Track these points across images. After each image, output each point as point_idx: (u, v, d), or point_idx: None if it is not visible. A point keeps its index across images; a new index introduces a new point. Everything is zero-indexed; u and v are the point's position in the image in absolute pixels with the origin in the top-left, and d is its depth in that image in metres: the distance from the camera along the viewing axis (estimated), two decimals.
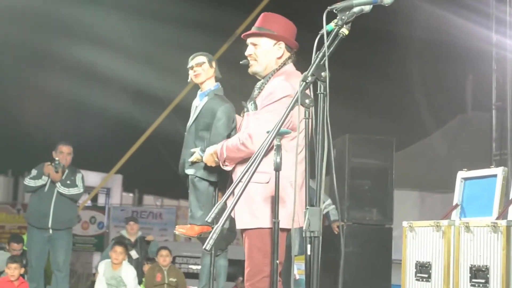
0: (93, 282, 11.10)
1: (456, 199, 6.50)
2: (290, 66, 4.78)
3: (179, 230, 5.58)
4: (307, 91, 3.65)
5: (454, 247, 5.80)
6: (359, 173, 10.56)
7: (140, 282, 10.64)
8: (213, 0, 17.12)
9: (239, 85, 4.93)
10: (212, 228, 3.48)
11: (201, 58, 5.93)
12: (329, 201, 10.08)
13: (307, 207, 3.58)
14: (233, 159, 4.65)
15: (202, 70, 5.88)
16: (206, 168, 5.54)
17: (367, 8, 3.67)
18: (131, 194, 27.00)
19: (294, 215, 3.84)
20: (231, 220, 4.64)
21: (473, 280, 5.56)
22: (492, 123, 12.35)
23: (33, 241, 9.49)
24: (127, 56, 18.78)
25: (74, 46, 18.16)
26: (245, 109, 4.78)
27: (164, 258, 10.84)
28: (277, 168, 4.09)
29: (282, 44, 4.76)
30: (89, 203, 21.56)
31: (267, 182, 4.46)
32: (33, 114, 19.81)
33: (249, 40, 4.85)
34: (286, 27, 4.79)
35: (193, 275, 15.26)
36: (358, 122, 17.25)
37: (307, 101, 3.66)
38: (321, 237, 3.57)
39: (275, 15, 4.88)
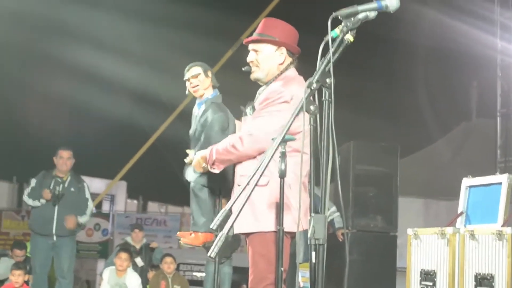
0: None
1: (461, 206, 6.48)
2: (292, 71, 4.76)
3: (184, 241, 5.58)
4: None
5: (459, 255, 5.78)
6: (363, 180, 10.54)
7: None
8: (219, 5, 17.11)
9: (244, 91, 4.91)
10: (216, 235, 3.47)
11: (196, 70, 5.95)
12: (333, 208, 10.06)
13: (312, 214, 3.57)
14: (222, 161, 4.62)
15: (199, 82, 5.91)
16: (206, 175, 5.55)
17: (372, 14, 3.67)
18: (135, 201, 26.99)
19: (299, 219, 3.83)
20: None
21: None
22: (497, 130, 12.33)
23: (37, 248, 9.47)
24: (131, 61, 18.79)
25: (78, 51, 18.16)
26: (244, 114, 4.77)
27: (168, 265, 10.83)
28: (282, 175, 4.07)
29: (284, 50, 4.74)
30: (93, 210, 21.56)
31: (266, 185, 4.43)
32: (37, 120, 19.81)
33: (250, 46, 4.83)
34: (287, 33, 4.77)
35: (198, 283, 15.23)
36: (363, 128, 17.22)
37: (312, 107, 3.65)
38: (326, 245, 3.55)
39: (277, 20, 4.86)
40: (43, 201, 9.40)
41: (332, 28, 3.63)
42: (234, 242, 10.04)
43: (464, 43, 14.19)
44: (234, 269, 10.50)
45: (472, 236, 5.67)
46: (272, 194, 4.34)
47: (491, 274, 5.43)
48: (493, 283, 5.41)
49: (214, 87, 6.00)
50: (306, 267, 8.35)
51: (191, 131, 5.87)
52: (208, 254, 3.57)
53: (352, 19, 3.64)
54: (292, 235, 4.57)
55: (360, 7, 3.64)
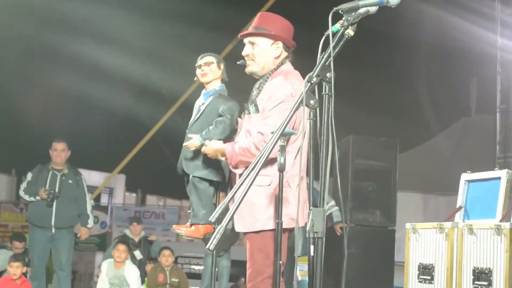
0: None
1: (460, 201, 6.48)
2: (288, 66, 4.76)
3: (185, 234, 5.59)
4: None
5: (457, 249, 5.78)
6: (362, 175, 10.54)
7: (142, 282, 10.64)
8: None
9: (243, 86, 4.91)
10: (216, 228, 3.47)
11: (210, 58, 5.95)
12: (332, 202, 10.07)
13: (311, 208, 3.57)
14: (246, 163, 4.50)
15: (210, 70, 5.90)
16: (206, 168, 5.55)
17: (373, 9, 3.67)
18: (134, 194, 27.01)
19: (298, 215, 3.83)
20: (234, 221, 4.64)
21: (476, 282, 5.55)
22: (496, 126, 12.34)
23: (35, 240, 9.47)
24: (131, 55, 18.79)
25: (79, 44, 18.15)
26: (246, 111, 4.76)
27: (166, 258, 10.84)
28: (281, 169, 4.08)
29: (280, 44, 4.74)
30: (92, 202, 21.54)
31: (269, 185, 4.45)
32: (36, 113, 19.81)
33: (246, 40, 4.83)
34: (283, 27, 4.77)
35: (196, 276, 15.27)
36: (363, 123, 17.22)
37: (312, 102, 3.65)
38: (324, 238, 3.56)
39: (273, 14, 4.87)
40: (38, 197, 9.39)
41: (333, 23, 3.63)
42: (233, 235, 10.04)
43: (464, 40, 14.19)
44: (232, 262, 10.54)
45: (471, 230, 5.68)
46: (273, 194, 4.36)
47: (489, 269, 5.44)
48: (491, 278, 5.42)
49: (222, 81, 6.00)
50: (304, 261, 8.36)
51: (191, 121, 5.86)
52: (207, 247, 3.57)
53: (353, 13, 3.64)
54: (290, 229, 4.58)
55: (361, 2, 3.64)
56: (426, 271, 6.08)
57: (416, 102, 20.00)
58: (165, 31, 18.28)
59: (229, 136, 5.26)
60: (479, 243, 5.59)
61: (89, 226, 9.65)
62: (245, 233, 4.62)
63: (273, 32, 4.72)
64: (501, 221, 5.79)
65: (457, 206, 6.49)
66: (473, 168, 6.66)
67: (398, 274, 9.45)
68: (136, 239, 11.76)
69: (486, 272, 5.46)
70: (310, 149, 3.80)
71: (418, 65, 19.45)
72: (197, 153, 5.56)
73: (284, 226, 4.29)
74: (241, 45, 4.89)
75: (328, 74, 3.60)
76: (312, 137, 3.71)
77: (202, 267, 11.68)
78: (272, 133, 3.76)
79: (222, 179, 5.60)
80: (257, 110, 4.62)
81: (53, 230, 9.34)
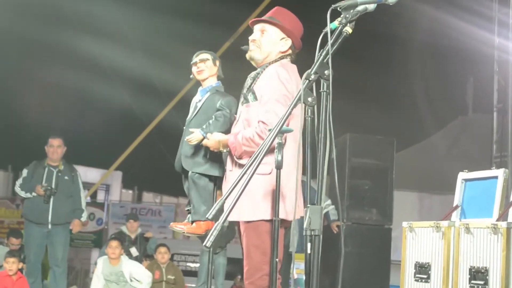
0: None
1: (457, 200, 6.48)
2: (287, 61, 4.77)
3: (187, 231, 5.58)
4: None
5: (454, 248, 5.79)
6: (359, 173, 10.54)
7: None
8: None
9: (240, 82, 4.90)
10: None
11: (205, 55, 5.96)
12: (329, 201, 10.08)
13: (308, 205, 3.57)
14: (250, 153, 4.45)
15: (206, 67, 5.91)
16: (205, 164, 5.55)
17: (371, 7, 3.66)
18: (130, 191, 27.03)
19: (295, 207, 3.83)
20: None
21: (472, 281, 5.55)
22: (493, 125, 12.34)
23: (31, 236, 9.45)
24: (129, 51, 18.77)
25: (76, 40, 18.12)
26: (243, 100, 4.74)
27: (162, 255, 10.84)
28: (279, 166, 4.08)
29: (289, 41, 4.75)
30: (88, 199, 21.56)
31: (269, 173, 4.41)
32: (33, 108, 19.79)
33: (257, 27, 4.82)
34: (296, 25, 4.80)
35: (192, 273, 15.25)
36: (359, 122, 17.24)
37: (309, 99, 3.65)
38: (321, 236, 3.56)
39: (288, 11, 4.88)
40: (35, 193, 9.37)
41: (331, 20, 3.63)
42: (229, 233, 10.07)
43: (461, 39, 14.18)
44: (228, 260, 10.53)
45: (467, 229, 5.68)
46: (272, 184, 4.32)
47: (486, 268, 5.44)
48: (487, 277, 5.42)
49: (219, 78, 6.00)
50: (300, 259, 8.36)
51: (188, 118, 5.86)
52: (204, 244, 3.57)
53: (351, 11, 3.64)
54: (286, 225, 4.57)
55: None
56: (422, 269, 6.08)
57: (413, 101, 20.02)
58: (163, 27, 18.26)
59: (228, 130, 5.26)
60: (476, 242, 5.59)
61: (82, 219, 9.63)
62: (241, 227, 4.58)
63: (287, 27, 4.73)
64: (497, 220, 5.80)
65: (454, 205, 6.49)
66: (469, 167, 6.66)
67: (394, 272, 9.46)
68: (133, 236, 11.75)
69: (483, 271, 5.47)
70: (308, 146, 3.79)
71: (415, 64, 19.45)
72: (196, 149, 5.56)
73: (281, 217, 4.28)
74: (239, 43, 4.89)
75: (326, 72, 3.60)
76: (309, 134, 3.70)
77: (198, 265, 11.68)
78: (269, 130, 3.76)
79: (222, 174, 5.60)
80: (255, 98, 4.61)
81: (50, 226, 9.34)
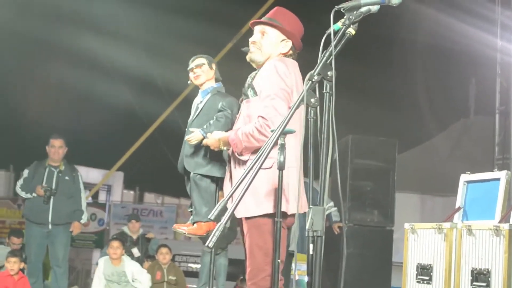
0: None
1: (459, 202, 6.48)
2: (287, 57, 4.76)
3: (188, 232, 5.59)
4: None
5: (456, 250, 5.78)
6: (361, 175, 10.53)
7: None
8: None
9: (243, 83, 4.90)
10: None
11: (200, 60, 5.98)
12: (331, 203, 10.07)
13: (311, 206, 3.57)
14: (251, 148, 4.50)
15: (202, 72, 5.93)
16: (207, 165, 5.55)
17: (375, 8, 3.66)
18: (132, 192, 27.04)
19: (298, 202, 3.82)
20: (232, 219, 4.61)
21: (474, 283, 5.55)
22: (495, 127, 12.34)
23: (32, 236, 9.45)
24: (131, 51, 18.76)
25: (78, 40, 18.12)
26: (244, 97, 4.73)
27: (164, 256, 10.84)
28: (281, 167, 4.07)
29: (289, 42, 4.73)
30: (89, 199, 21.56)
31: (271, 167, 4.38)
32: (35, 108, 19.80)
33: (258, 28, 4.80)
34: (297, 26, 4.77)
35: (193, 274, 15.26)
36: (361, 123, 17.23)
37: (312, 100, 3.65)
38: (323, 237, 3.56)
39: (289, 12, 4.85)
40: (35, 194, 9.37)
41: (335, 21, 3.63)
42: (230, 234, 10.09)
43: (463, 41, 14.20)
44: (230, 261, 10.54)
45: (469, 231, 5.67)
46: (274, 177, 4.29)
47: (488, 269, 5.44)
48: (489, 278, 5.41)
49: (217, 80, 6.02)
50: (302, 260, 8.35)
51: (190, 119, 5.87)
52: (206, 244, 3.57)
53: (355, 12, 3.64)
54: (288, 224, 4.56)
55: (363, 1, 3.63)
56: (424, 271, 6.08)
57: (415, 103, 20.02)
58: (166, 27, 18.26)
59: (230, 130, 5.25)
60: (478, 244, 5.59)
61: (82, 221, 9.64)
62: (244, 225, 4.56)
63: (287, 29, 4.72)
64: (500, 222, 5.79)
65: (456, 206, 6.49)
66: (471, 169, 6.65)
67: (396, 274, 9.45)
68: (134, 237, 11.75)
69: (485, 273, 5.46)
70: (310, 148, 3.79)
71: (418, 66, 19.46)
72: (197, 150, 5.57)
73: (283, 210, 4.28)
74: (241, 43, 4.88)
75: (329, 73, 3.60)
76: (312, 136, 3.70)
77: (199, 265, 11.67)
78: (272, 131, 3.76)
79: (224, 175, 5.60)
80: (255, 93, 4.59)
81: (50, 227, 9.33)
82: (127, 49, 18.55)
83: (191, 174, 5.64)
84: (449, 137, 18.97)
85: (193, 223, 5.62)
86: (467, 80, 19.01)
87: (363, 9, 3.64)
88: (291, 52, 4.75)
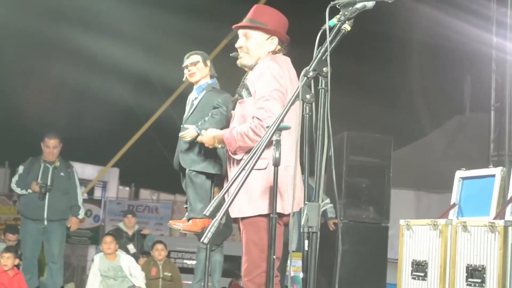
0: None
1: (454, 198, 6.49)
2: (278, 54, 4.74)
3: (183, 228, 5.59)
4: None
5: (451, 246, 5.79)
6: (356, 171, 10.54)
7: None
8: None
9: (238, 79, 4.89)
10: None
11: (195, 57, 5.98)
12: (327, 200, 10.08)
13: (306, 202, 3.56)
14: (245, 148, 4.51)
15: (197, 69, 5.93)
16: (203, 162, 5.55)
17: (370, 4, 3.64)
18: (127, 188, 27.02)
19: (293, 199, 3.82)
20: (228, 216, 4.61)
21: (469, 279, 5.55)
22: (490, 124, 12.35)
23: (27, 232, 9.45)
24: (127, 48, 18.72)
25: (74, 36, 18.09)
26: (238, 97, 4.73)
27: (159, 252, 10.84)
28: (276, 163, 4.07)
29: (275, 39, 4.71)
30: (85, 196, 21.54)
31: (265, 168, 4.40)
32: (31, 105, 19.77)
33: (241, 32, 4.78)
34: (279, 21, 4.74)
35: (188, 270, 15.26)
36: (356, 119, 17.23)
37: (308, 96, 3.65)
38: (319, 233, 3.55)
39: (268, 7, 4.83)
40: (30, 190, 9.36)
41: (330, 17, 3.62)
42: (226, 230, 10.10)
43: (458, 38, 14.19)
44: (225, 257, 10.54)
45: (465, 227, 5.68)
46: (269, 178, 4.31)
47: (483, 266, 5.45)
48: (484, 275, 5.42)
49: (212, 77, 6.01)
50: (297, 257, 8.36)
51: (185, 116, 5.87)
52: (201, 240, 3.57)
53: (350, 8, 3.62)
54: (285, 221, 4.57)
55: None
56: (419, 267, 6.08)
57: (410, 99, 20.03)
58: (161, 24, 18.22)
59: (224, 127, 5.25)
60: (473, 240, 5.59)
61: (80, 217, 9.64)
62: (240, 223, 4.57)
63: (269, 26, 4.68)
64: (495, 218, 5.80)
65: (451, 203, 6.49)
66: (467, 166, 6.66)
67: (391, 271, 9.46)
68: (130, 233, 11.75)
69: (480, 269, 5.47)
70: (305, 144, 3.79)
71: (413, 62, 19.46)
72: (193, 146, 5.57)
73: (279, 211, 4.29)
74: (236, 40, 4.86)
75: (324, 69, 3.59)
76: (307, 132, 3.70)
77: (194, 262, 11.68)
78: (267, 127, 3.75)
79: (219, 171, 5.60)
80: (249, 94, 4.59)
81: (45, 223, 9.32)
82: (123, 46, 18.52)
83: (187, 170, 5.64)
84: (445, 134, 18.97)
85: (188, 220, 5.62)
86: (463, 77, 19.00)
87: (359, 5, 3.62)
88: (279, 47, 4.74)
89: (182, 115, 5.98)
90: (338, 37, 3.62)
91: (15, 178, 9.59)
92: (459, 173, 6.52)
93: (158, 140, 20.63)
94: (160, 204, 23.22)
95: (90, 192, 23.58)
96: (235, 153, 4.58)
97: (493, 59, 12.35)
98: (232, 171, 4.62)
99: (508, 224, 5.36)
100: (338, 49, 3.64)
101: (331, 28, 3.62)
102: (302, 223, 3.55)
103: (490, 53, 12.46)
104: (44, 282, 9.91)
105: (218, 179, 5.73)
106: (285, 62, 4.65)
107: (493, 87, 12.39)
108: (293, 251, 7.83)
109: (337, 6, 3.63)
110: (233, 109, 4.92)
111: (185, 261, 17.74)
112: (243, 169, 3.54)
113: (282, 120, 3.68)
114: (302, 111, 3.76)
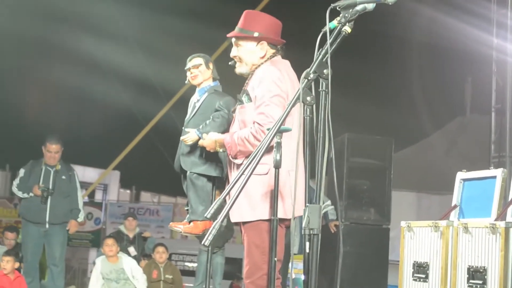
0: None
1: (455, 199, 6.48)
2: (276, 57, 4.75)
3: (184, 230, 5.59)
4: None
5: (452, 248, 5.78)
6: (357, 173, 10.53)
7: None
8: None
9: (238, 82, 4.90)
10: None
11: (198, 60, 5.98)
12: (328, 202, 10.07)
13: (307, 204, 3.57)
14: (246, 153, 4.52)
15: (199, 72, 5.93)
16: (204, 164, 5.55)
17: (370, 6, 3.65)
18: (128, 191, 27.03)
19: (294, 205, 3.82)
20: (229, 218, 4.62)
21: (471, 281, 5.55)
22: (491, 126, 12.34)
23: (28, 235, 9.44)
24: (127, 51, 18.75)
25: (75, 39, 18.11)
26: (238, 102, 4.74)
27: (160, 255, 10.84)
28: (277, 166, 4.07)
29: (265, 44, 4.71)
30: (86, 199, 21.55)
31: (266, 173, 4.42)
32: (32, 107, 19.79)
33: (233, 41, 4.82)
34: (268, 26, 4.74)
35: (189, 273, 15.25)
36: (357, 121, 17.25)
37: (308, 98, 3.65)
38: (320, 235, 3.56)
39: (258, 13, 4.86)
40: (32, 194, 9.36)
41: (330, 19, 3.63)
42: (227, 233, 10.08)
43: (459, 40, 14.21)
44: (227, 260, 10.52)
45: (466, 229, 5.67)
46: (270, 183, 4.32)
47: (484, 267, 5.44)
48: (485, 276, 5.42)
49: (214, 79, 6.02)
50: (298, 259, 8.36)
51: (187, 118, 5.88)
52: (202, 242, 3.57)
53: (350, 10, 3.63)
54: (287, 224, 4.57)
55: None
56: (420, 269, 6.08)
57: (411, 101, 20.04)
58: (162, 27, 18.25)
59: (226, 130, 5.26)
60: (474, 242, 5.59)
61: (79, 220, 9.63)
62: (242, 227, 4.58)
63: (257, 33, 4.69)
64: (496, 220, 5.79)
65: (452, 204, 6.49)
66: (467, 167, 6.66)
67: (392, 272, 9.45)
68: (131, 235, 11.75)
69: (481, 270, 5.47)
70: (306, 146, 3.79)
71: (414, 64, 19.48)
72: (194, 149, 5.57)
73: (281, 216, 4.29)
74: None
75: (325, 71, 3.60)
76: (308, 134, 3.70)
77: (196, 264, 11.67)
78: (268, 129, 3.76)
79: (220, 174, 5.61)
80: (249, 99, 4.60)
81: (47, 226, 9.32)
82: (124, 49, 18.55)
83: (188, 173, 5.64)
84: (445, 135, 18.96)
85: (190, 222, 5.62)
86: (463, 78, 19.01)
87: (359, 7, 3.63)
88: (273, 50, 4.74)
89: (183, 118, 5.99)
90: (338, 39, 3.63)
91: (16, 181, 9.58)
92: (460, 175, 6.52)
93: (158, 143, 20.66)
94: (161, 206, 23.22)
95: (91, 195, 23.59)
96: (235, 158, 4.59)
97: (493, 61, 12.34)
98: (232, 175, 4.63)
99: (509, 225, 5.36)
100: (339, 51, 3.64)
101: (331, 30, 3.62)
102: (303, 225, 3.55)
103: (490, 55, 12.46)
104: (45, 285, 9.91)
105: (219, 182, 5.73)
106: (285, 65, 4.67)
107: (494, 88, 12.38)
108: (295, 254, 7.82)
109: (337, 8, 3.63)
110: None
111: (186, 263, 17.74)
112: (242, 174, 3.54)
113: (282, 123, 3.68)
114: (303, 113, 3.76)
